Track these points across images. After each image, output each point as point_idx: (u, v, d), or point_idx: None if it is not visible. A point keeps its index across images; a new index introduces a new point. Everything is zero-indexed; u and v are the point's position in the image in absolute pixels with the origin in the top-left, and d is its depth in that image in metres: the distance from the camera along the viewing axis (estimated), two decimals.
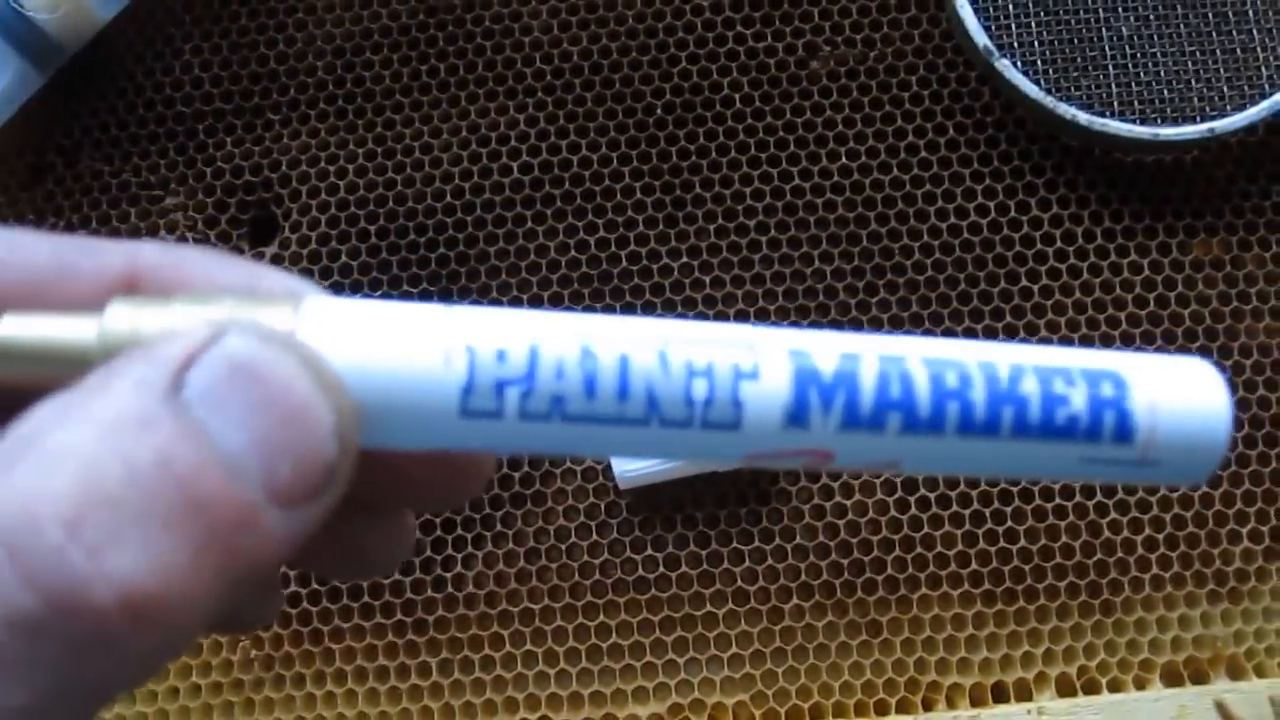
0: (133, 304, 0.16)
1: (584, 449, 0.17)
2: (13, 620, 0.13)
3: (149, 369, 0.14)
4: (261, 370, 0.15)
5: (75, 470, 0.13)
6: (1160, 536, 0.40)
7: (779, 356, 0.17)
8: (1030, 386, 0.17)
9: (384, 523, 0.20)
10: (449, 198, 0.43)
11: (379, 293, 0.42)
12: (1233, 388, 0.41)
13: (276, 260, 0.43)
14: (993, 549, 0.40)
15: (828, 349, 0.17)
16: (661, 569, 0.40)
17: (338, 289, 0.43)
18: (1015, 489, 0.41)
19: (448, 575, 0.41)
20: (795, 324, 0.42)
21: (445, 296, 0.42)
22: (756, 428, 0.17)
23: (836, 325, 0.42)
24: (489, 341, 0.16)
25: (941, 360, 0.17)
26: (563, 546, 0.41)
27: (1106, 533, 0.40)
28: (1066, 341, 0.41)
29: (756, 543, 0.41)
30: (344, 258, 0.43)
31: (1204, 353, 0.41)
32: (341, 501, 0.16)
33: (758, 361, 0.17)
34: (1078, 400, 0.18)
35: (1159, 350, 0.41)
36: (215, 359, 0.15)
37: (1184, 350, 0.42)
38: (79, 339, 0.16)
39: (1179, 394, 0.18)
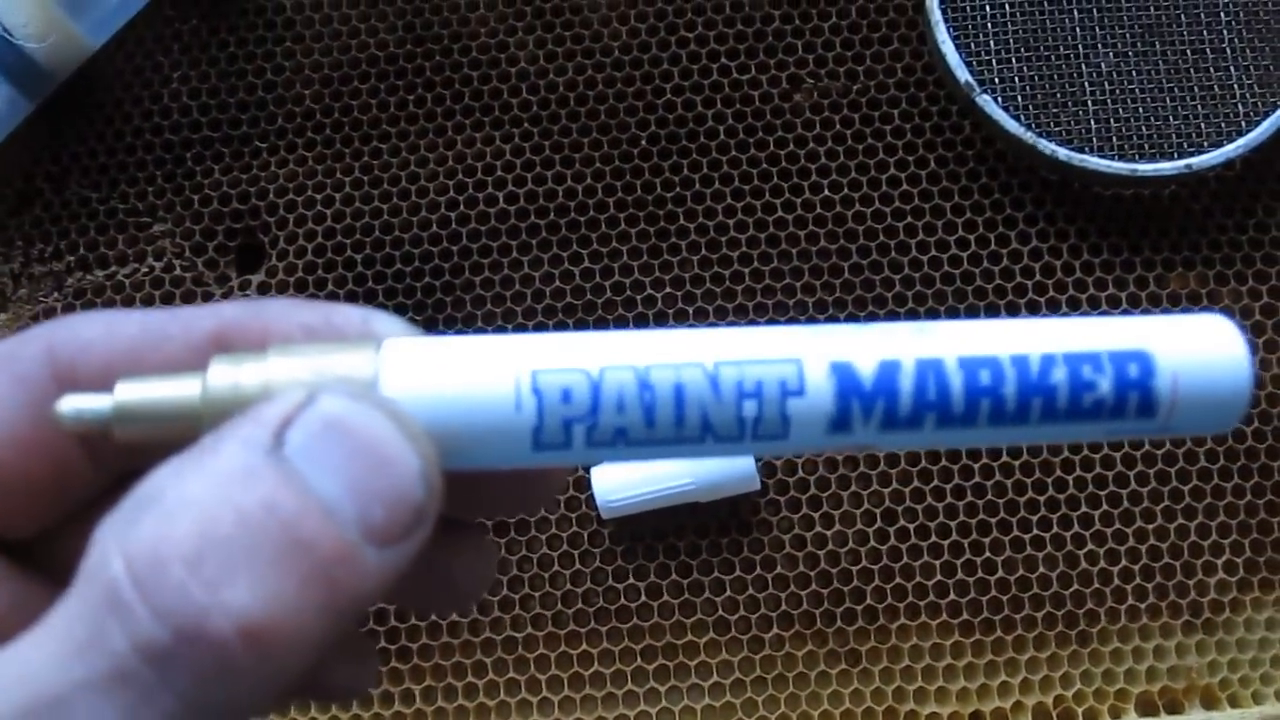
0: (231, 361, 0.18)
1: (644, 459, 0.19)
2: (145, 650, 0.15)
3: (253, 429, 0.16)
4: (351, 425, 0.17)
5: (193, 518, 0.15)
6: (1136, 567, 0.41)
7: (821, 370, 0.18)
8: (1059, 376, 0.18)
9: (468, 548, 0.21)
10: (435, 227, 0.44)
11: None
12: None
13: (263, 289, 0.43)
14: (971, 579, 0.41)
15: (868, 357, 0.18)
16: (643, 598, 0.41)
17: None
18: (993, 520, 0.41)
19: None
20: None
21: (430, 326, 0.43)
22: (802, 436, 0.18)
23: None
24: (555, 381, 0.17)
25: (976, 359, 0.18)
26: (545, 575, 0.41)
27: (1083, 563, 0.41)
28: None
29: (738, 572, 0.41)
30: (330, 286, 0.43)
31: None
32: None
33: (804, 376, 0.18)
34: (1104, 386, 0.18)
35: None
36: (311, 418, 0.17)
37: None
38: (186, 397, 0.18)
39: (1201, 361, 0.19)
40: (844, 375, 0.18)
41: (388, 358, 0.18)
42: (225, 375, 0.17)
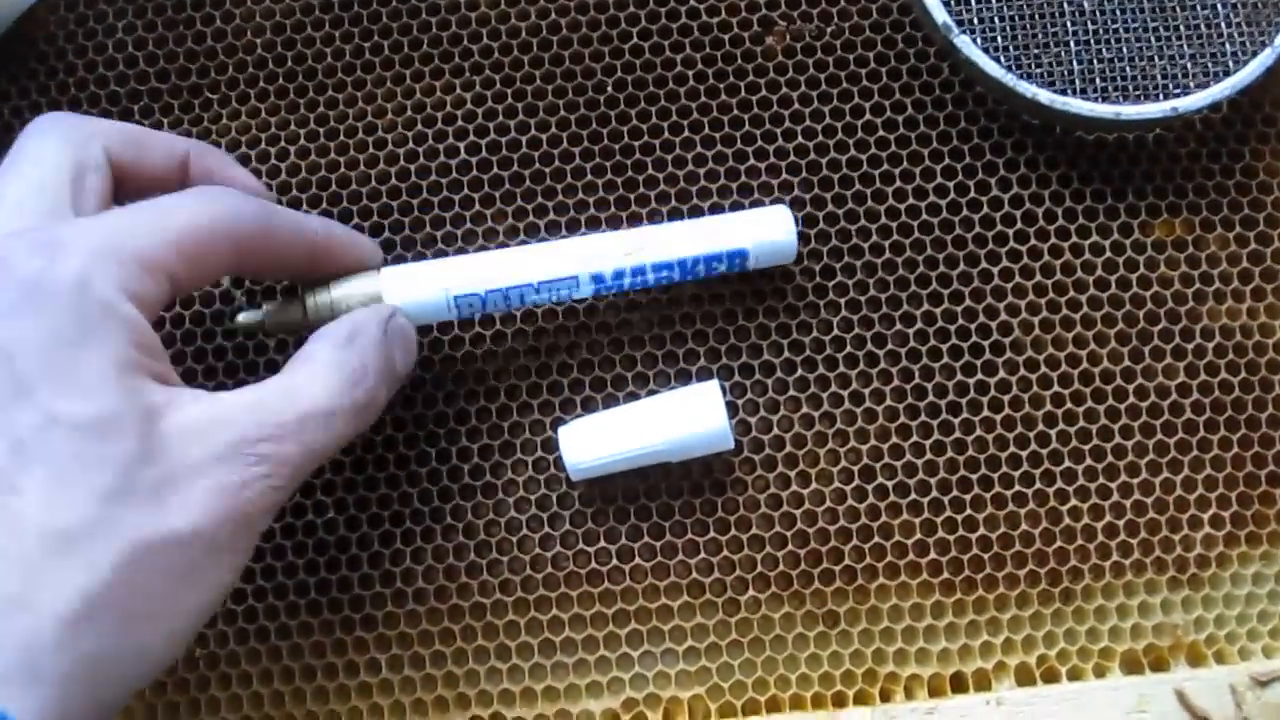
0: (316, 293, 0.37)
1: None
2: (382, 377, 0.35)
3: (374, 317, 0.35)
4: (407, 330, 0.36)
5: (329, 364, 0.33)
6: (1121, 523, 0.40)
7: (587, 279, 0.38)
8: (700, 267, 0.38)
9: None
10: (394, 179, 0.42)
11: None
12: (1193, 371, 0.40)
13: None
14: (951, 538, 0.40)
15: (608, 267, 0.38)
16: (615, 561, 0.40)
17: None
18: (974, 476, 0.40)
19: (396, 570, 0.40)
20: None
21: None
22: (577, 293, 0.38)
23: (791, 308, 0.41)
24: (462, 294, 0.37)
25: (665, 264, 0.38)
26: (513, 539, 0.40)
27: (1067, 520, 0.40)
28: (1026, 327, 0.41)
29: (712, 533, 0.40)
30: None
31: (1165, 336, 0.41)
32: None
33: (578, 283, 0.38)
34: (722, 265, 0.39)
35: (1120, 333, 0.41)
36: (397, 321, 0.36)
37: (1145, 334, 0.41)
38: (295, 312, 0.37)
39: (771, 244, 0.39)
40: (598, 278, 0.38)
41: (384, 278, 0.37)
42: (320, 299, 0.37)
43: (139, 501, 0.28)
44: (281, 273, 0.36)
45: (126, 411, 0.29)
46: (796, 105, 0.42)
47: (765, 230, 0.38)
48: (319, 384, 0.32)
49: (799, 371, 0.41)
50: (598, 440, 0.38)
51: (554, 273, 0.38)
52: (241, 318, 0.38)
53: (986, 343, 0.41)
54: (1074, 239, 0.41)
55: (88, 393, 0.28)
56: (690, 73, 0.42)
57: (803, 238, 0.41)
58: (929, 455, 0.40)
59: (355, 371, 0.33)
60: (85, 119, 0.34)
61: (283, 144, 0.42)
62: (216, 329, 0.41)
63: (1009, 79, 0.40)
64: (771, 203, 0.41)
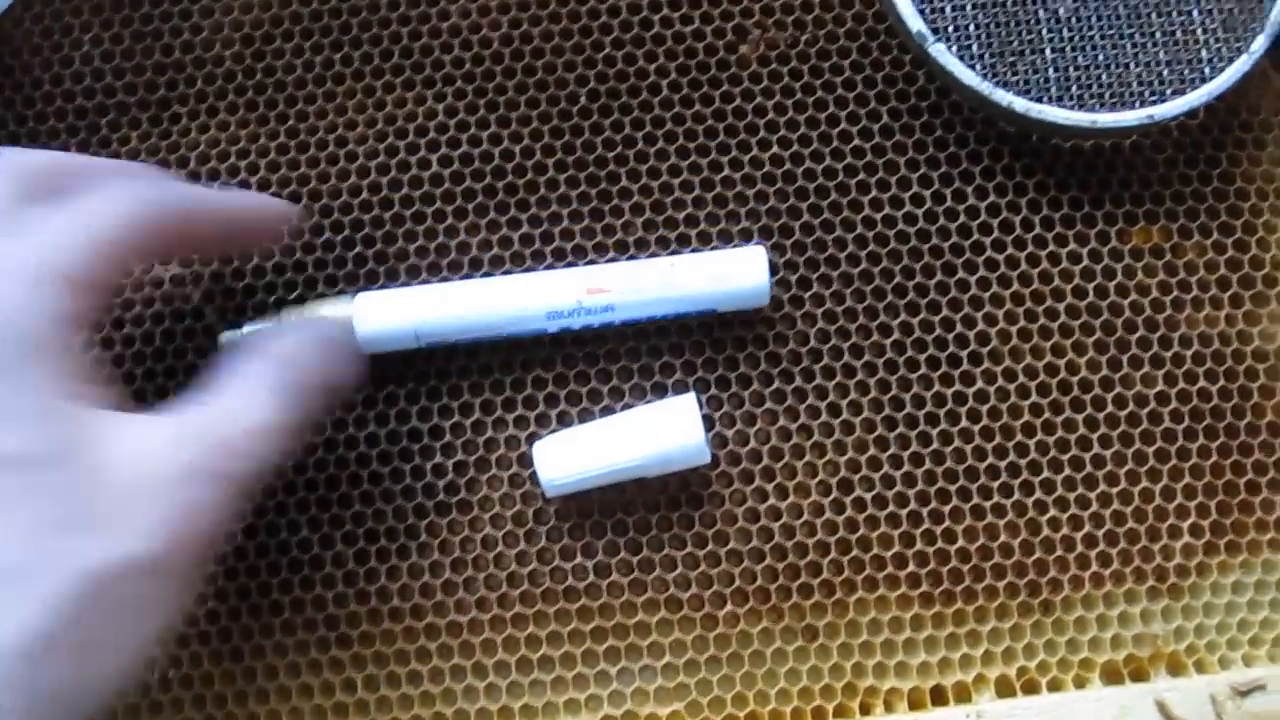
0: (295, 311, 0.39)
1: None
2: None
3: (315, 332, 0.36)
4: (346, 345, 0.37)
5: (267, 382, 0.33)
6: (1100, 533, 0.40)
7: (540, 317, 0.39)
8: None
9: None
10: (365, 193, 0.41)
11: (294, 294, 0.41)
12: (1172, 380, 0.40)
13: (185, 263, 0.41)
14: (930, 550, 0.39)
15: (570, 300, 0.38)
16: (592, 577, 0.39)
17: (250, 291, 0.41)
18: (953, 488, 0.40)
19: (371, 588, 0.39)
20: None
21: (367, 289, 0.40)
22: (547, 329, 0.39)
23: (768, 319, 0.40)
24: (427, 327, 0.38)
25: (631, 319, 0.39)
26: (489, 555, 0.40)
27: (1046, 530, 0.40)
28: (1004, 336, 0.40)
29: (689, 548, 0.39)
30: (256, 258, 0.41)
31: (1143, 344, 0.41)
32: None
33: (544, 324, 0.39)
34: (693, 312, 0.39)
35: (1098, 341, 0.40)
36: (332, 336, 0.36)
37: (1123, 343, 0.41)
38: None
39: (744, 288, 0.39)
40: (554, 313, 0.38)
41: (356, 306, 0.38)
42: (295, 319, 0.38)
43: (86, 532, 0.28)
44: (203, 252, 0.37)
45: (66, 442, 0.28)
46: (771, 114, 0.42)
47: (737, 279, 0.39)
48: (258, 402, 0.32)
49: (776, 383, 0.40)
50: (573, 457, 0.38)
51: (521, 310, 0.38)
52: (223, 338, 0.38)
53: (964, 353, 0.40)
54: (1051, 247, 0.41)
55: (24, 426, 0.28)
56: (664, 81, 0.42)
57: (778, 248, 0.41)
58: (907, 467, 0.40)
59: (293, 387, 0.33)
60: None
61: (252, 157, 0.42)
62: (188, 344, 0.40)
63: (985, 87, 0.39)
64: (746, 214, 0.41)
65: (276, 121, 0.42)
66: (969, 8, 0.40)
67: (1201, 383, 0.40)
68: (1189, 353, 0.41)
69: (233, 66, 0.42)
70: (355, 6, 0.43)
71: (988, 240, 0.41)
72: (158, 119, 0.42)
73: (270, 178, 0.42)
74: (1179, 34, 0.40)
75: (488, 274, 0.41)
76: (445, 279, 0.41)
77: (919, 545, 0.40)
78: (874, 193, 0.41)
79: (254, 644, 0.39)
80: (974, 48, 0.40)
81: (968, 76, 0.40)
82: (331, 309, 0.39)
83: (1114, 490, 0.40)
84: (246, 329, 0.39)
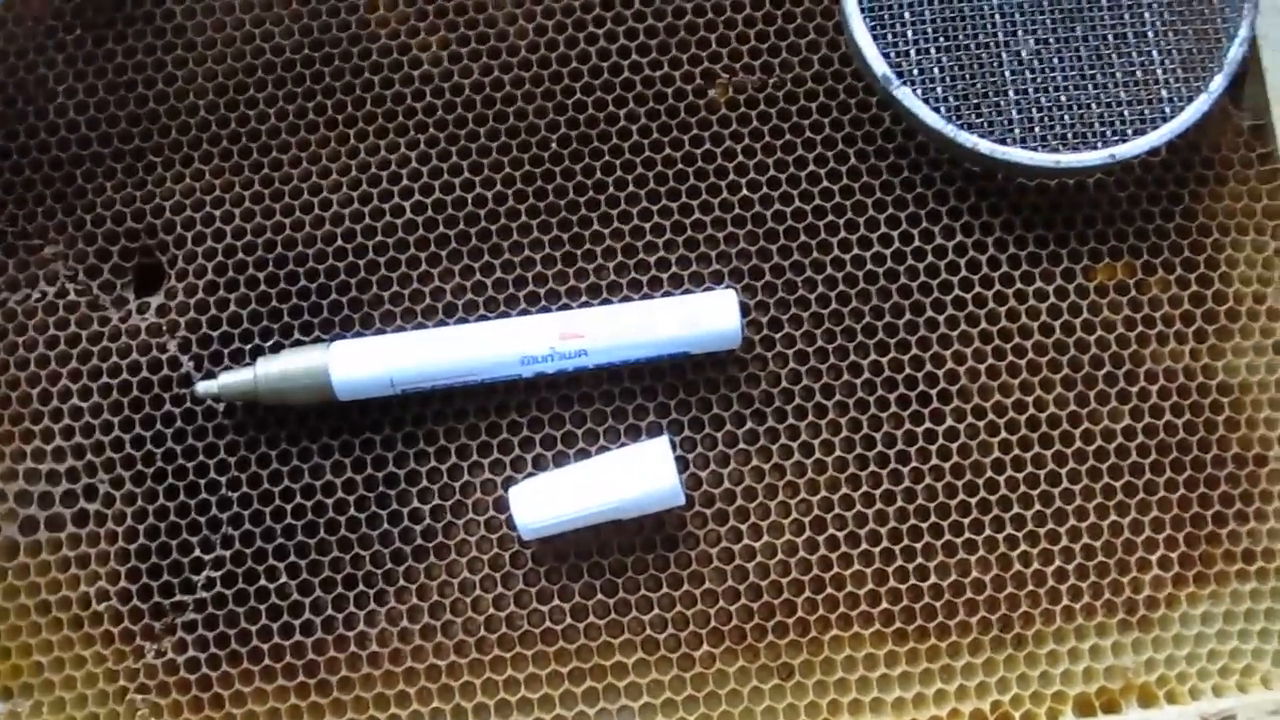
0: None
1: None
2: None
3: None
4: None
5: None
6: (1070, 567, 0.40)
7: (514, 364, 0.39)
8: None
9: None
10: (339, 240, 0.42)
11: (270, 341, 0.41)
12: (1138, 414, 0.41)
13: (162, 310, 0.41)
14: (903, 586, 0.40)
15: (543, 348, 0.39)
16: (569, 619, 0.40)
17: (227, 340, 0.41)
18: (924, 524, 0.40)
19: (350, 633, 0.40)
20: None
21: (342, 336, 0.41)
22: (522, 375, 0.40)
23: (739, 360, 0.41)
24: (401, 375, 0.39)
25: (604, 363, 0.40)
26: (467, 599, 0.40)
27: (1016, 564, 0.40)
28: (973, 374, 0.41)
29: (665, 589, 0.40)
30: (232, 306, 0.41)
31: (1109, 380, 0.41)
32: None
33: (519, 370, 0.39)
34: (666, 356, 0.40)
35: (1065, 377, 0.41)
36: None
37: (1089, 379, 0.41)
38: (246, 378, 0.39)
39: (715, 332, 0.39)
40: (527, 359, 0.39)
41: (331, 354, 0.39)
42: (269, 367, 0.39)
43: None
44: None
45: None
46: (741, 157, 0.42)
47: (709, 323, 0.39)
48: None
49: (748, 423, 0.41)
50: (548, 501, 0.38)
51: (495, 357, 0.39)
52: (199, 388, 0.39)
53: (934, 390, 0.41)
54: (1018, 285, 0.42)
55: None
56: (634, 126, 0.43)
57: (748, 290, 0.42)
58: (879, 504, 0.40)
59: None
60: None
61: (227, 206, 0.42)
62: (165, 394, 0.41)
63: (949, 129, 0.40)
64: (717, 257, 0.42)
65: (251, 170, 0.42)
66: (933, 51, 0.41)
67: (1167, 416, 0.41)
68: (1155, 387, 0.41)
69: (207, 116, 0.43)
70: (328, 55, 0.43)
71: (955, 279, 0.42)
72: (132, 169, 0.43)
73: (245, 226, 0.42)
74: (1140, 75, 0.41)
75: (462, 320, 0.41)
76: (420, 325, 0.41)
77: (892, 582, 0.40)
78: (843, 234, 0.42)
79: (234, 691, 0.39)
80: (939, 90, 0.41)
81: (933, 119, 0.40)
82: (307, 357, 0.39)
83: (1083, 524, 0.40)
84: (222, 378, 0.39)
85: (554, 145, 0.42)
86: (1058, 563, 0.40)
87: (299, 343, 0.41)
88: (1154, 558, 0.40)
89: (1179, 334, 0.42)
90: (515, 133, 0.43)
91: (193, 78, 0.43)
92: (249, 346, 0.41)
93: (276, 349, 0.41)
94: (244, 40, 0.43)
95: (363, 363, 0.39)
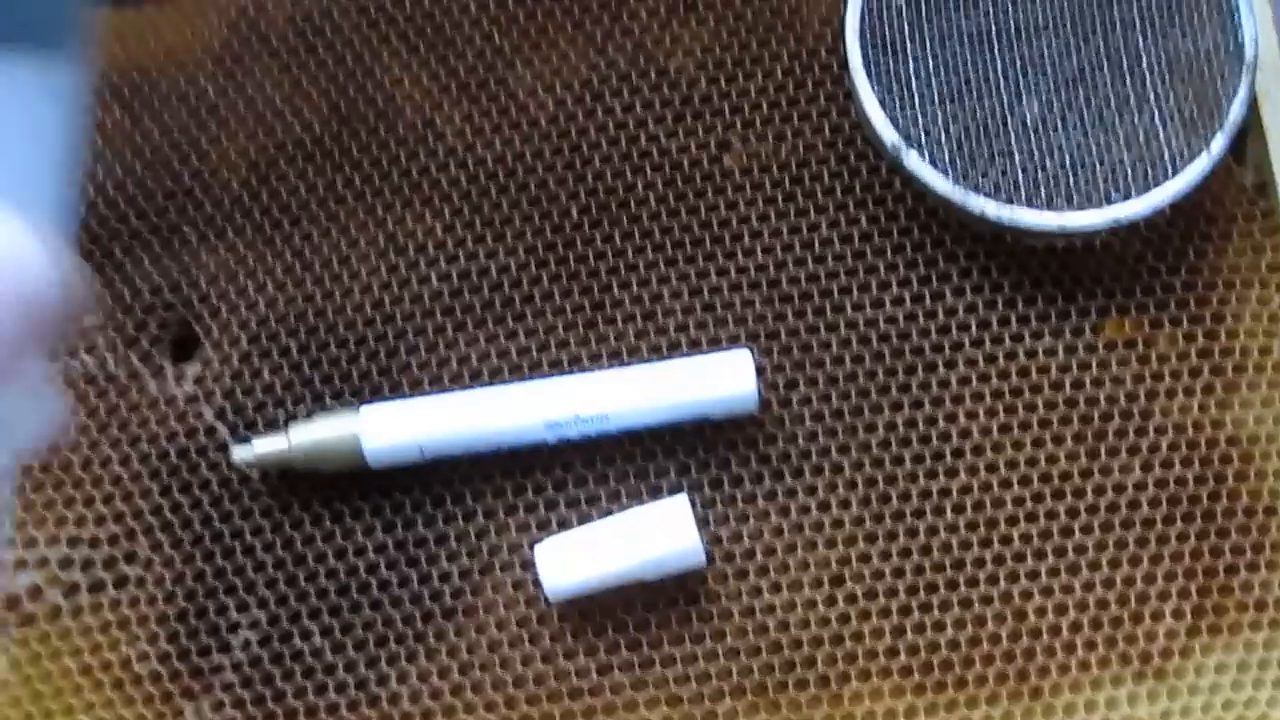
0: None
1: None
2: None
3: None
4: None
5: None
6: (1085, 619, 0.41)
7: (540, 429, 0.41)
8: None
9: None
10: (368, 310, 0.43)
11: (300, 406, 0.43)
12: (1148, 467, 0.42)
13: (198, 380, 0.43)
14: (921, 640, 0.41)
15: (566, 413, 0.40)
16: (595, 677, 0.41)
17: (260, 407, 0.43)
18: (940, 579, 0.41)
19: (381, 692, 0.41)
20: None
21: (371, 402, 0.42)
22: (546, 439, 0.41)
23: (757, 420, 0.42)
24: (430, 442, 0.40)
25: (626, 426, 0.41)
26: (495, 658, 0.41)
27: (1031, 617, 0.41)
28: (985, 431, 0.42)
29: (688, 645, 0.41)
30: (266, 375, 0.43)
31: (1119, 434, 0.42)
32: None
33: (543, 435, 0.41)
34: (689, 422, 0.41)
35: (1076, 432, 0.42)
36: None
37: (1100, 433, 0.42)
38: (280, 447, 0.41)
39: (729, 395, 0.40)
40: (551, 424, 0.40)
41: (362, 422, 0.40)
42: (302, 434, 0.41)
43: None
44: None
45: None
46: (755, 222, 0.44)
47: (726, 387, 0.40)
48: None
49: (767, 482, 0.42)
50: (574, 563, 0.39)
51: (520, 423, 0.40)
52: (235, 455, 0.40)
53: (947, 448, 0.42)
54: (1028, 343, 0.43)
55: None
56: (651, 194, 0.44)
57: (765, 351, 0.43)
58: (896, 560, 0.41)
59: None
60: None
61: (260, 277, 0.44)
62: (201, 461, 0.42)
63: (957, 194, 0.41)
64: (734, 320, 0.43)
65: (283, 242, 0.44)
66: (939, 118, 0.42)
67: (1178, 469, 0.42)
68: (1164, 441, 0.42)
69: (240, 192, 0.44)
70: (355, 131, 0.45)
71: (966, 338, 0.43)
72: (168, 243, 0.44)
73: (278, 296, 0.43)
74: (1142, 136, 0.42)
75: (487, 384, 0.43)
76: (447, 390, 0.42)
77: (910, 636, 0.41)
78: (855, 295, 0.43)
79: None
80: (945, 156, 0.42)
81: (940, 184, 0.41)
82: (338, 423, 0.40)
83: (1097, 577, 0.41)
84: (257, 443, 0.41)
85: (574, 213, 0.44)
86: (1072, 615, 0.41)
87: (331, 410, 0.42)
88: (1167, 608, 0.41)
89: (1187, 388, 0.43)
90: (536, 201, 0.44)
91: (225, 155, 0.45)
92: (282, 414, 0.43)
93: (309, 416, 0.42)
94: (274, 117, 0.45)
95: (393, 430, 0.40)
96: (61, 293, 0.24)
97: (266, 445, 0.41)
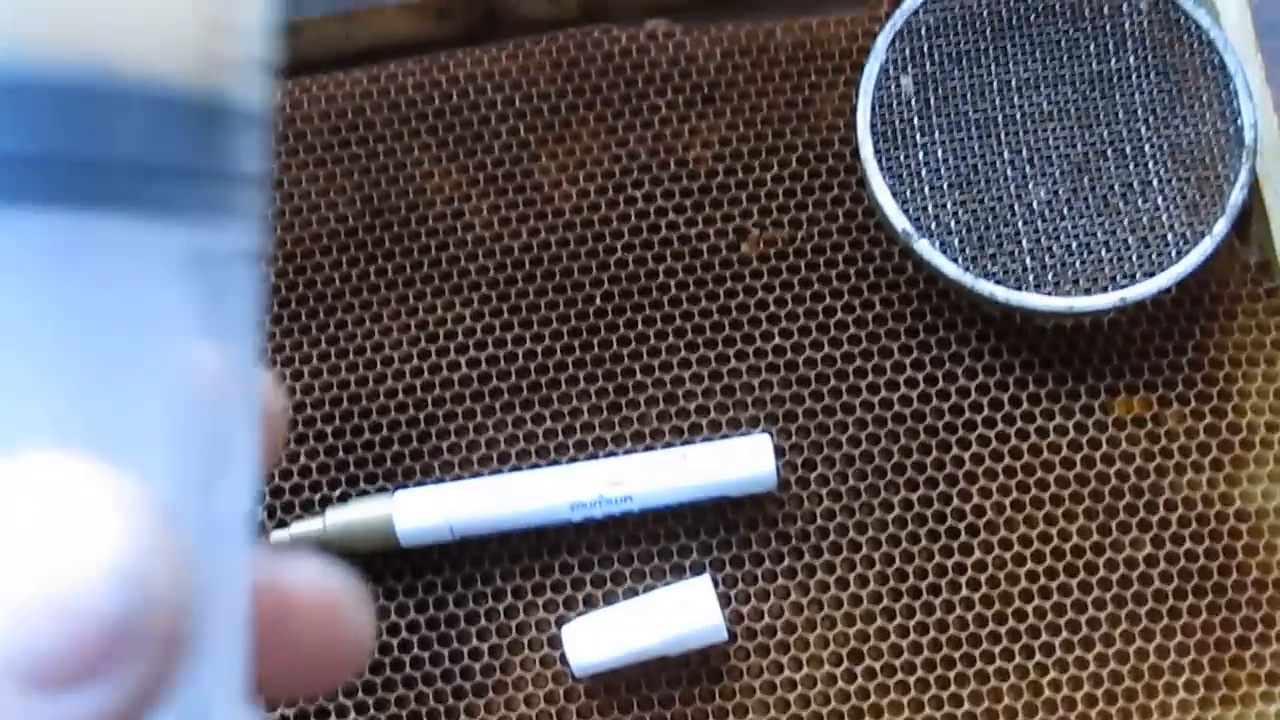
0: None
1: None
2: None
3: None
4: None
5: None
6: (1099, 692, 0.42)
7: (565, 510, 0.42)
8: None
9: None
10: (401, 395, 0.45)
11: (337, 491, 0.44)
12: (1159, 542, 0.43)
13: None
14: (939, 714, 0.42)
15: (590, 493, 0.42)
16: None
17: (298, 490, 0.44)
18: (957, 654, 0.42)
19: None
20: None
21: (401, 488, 0.44)
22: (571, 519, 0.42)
23: (775, 499, 0.43)
24: (460, 522, 0.42)
25: (650, 507, 0.42)
26: None
27: (1047, 691, 0.42)
28: (998, 508, 0.43)
29: (711, 719, 0.42)
30: (302, 459, 0.45)
31: (1130, 510, 0.43)
32: None
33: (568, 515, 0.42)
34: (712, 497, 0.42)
35: (1088, 509, 0.43)
36: None
37: (1111, 509, 0.43)
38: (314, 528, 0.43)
39: (750, 476, 0.42)
40: (577, 505, 0.42)
41: (395, 505, 0.42)
42: (338, 518, 0.42)
43: None
44: None
45: None
46: (772, 307, 0.45)
47: (745, 468, 0.42)
48: None
49: (786, 560, 0.43)
50: (600, 641, 0.41)
51: (547, 504, 0.42)
52: (273, 537, 0.42)
53: (962, 525, 0.43)
54: (1039, 421, 0.44)
55: None
56: (672, 281, 0.46)
57: (783, 432, 0.44)
58: (913, 635, 0.42)
59: None
60: None
61: (297, 365, 0.45)
62: None
63: (967, 279, 0.43)
64: (752, 402, 0.44)
65: (317, 330, 0.46)
66: (949, 205, 0.44)
67: (1188, 544, 0.43)
68: (1174, 516, 0.43)
69: (276, 281, 0.46)
70: (387, 222, 0.47)
71: (979, 418, 0.44)
72: None
73: (313, 384, 0.45)
74: (1146, 221, 0.44)
75: (516, 467, 0.44)
76: (477, 474, 0.44)
77: (928, 710, 0.42)
78: (870, 377, 0.44)
79: None
80: (955, 243, 0.43)
81: (951, 269, 0.43)
82: (372, 507, 0.42)
83: (1110, 650, 0.42)
84: (294, 528, 0.42)
85: (598, 300, 0.46)
86: (1087, 688, 0.42)
87: (365, 493, 0.44)
88: (1180, 681, 0.42)
89: (1196, 464, 0.44)
90: (561, 288, 0.46)
91: (265, 246, 0.47)
92: (318, 497, 0.44)
93: (344, 499, 0.43)
94: (309, 210, 0.47)
95: (424, 512, 0.42)
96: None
97: (303, 529, 0.42)
